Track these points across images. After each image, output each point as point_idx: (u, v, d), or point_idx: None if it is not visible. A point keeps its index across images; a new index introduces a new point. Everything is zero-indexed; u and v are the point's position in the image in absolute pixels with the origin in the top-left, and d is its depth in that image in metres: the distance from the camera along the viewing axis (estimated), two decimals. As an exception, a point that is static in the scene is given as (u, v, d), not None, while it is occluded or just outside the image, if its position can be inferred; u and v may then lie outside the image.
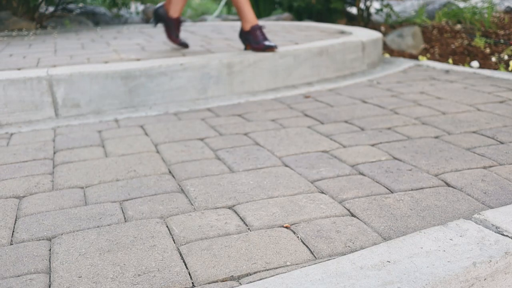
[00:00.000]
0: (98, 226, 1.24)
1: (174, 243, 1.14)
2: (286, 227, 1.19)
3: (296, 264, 1.04)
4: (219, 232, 1.18)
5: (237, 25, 4.83)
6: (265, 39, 2.81)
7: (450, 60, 3.62)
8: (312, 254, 1.07)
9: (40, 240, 1.19)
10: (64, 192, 1.46)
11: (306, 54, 2.83)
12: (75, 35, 4.37)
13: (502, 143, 1.70)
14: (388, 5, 5.15)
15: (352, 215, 1.24)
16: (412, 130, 1.87)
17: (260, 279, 0.97)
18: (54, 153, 1.81)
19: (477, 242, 1.03)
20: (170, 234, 1.18)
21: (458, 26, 4.87)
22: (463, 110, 2.11)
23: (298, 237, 1.14)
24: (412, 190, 1.37)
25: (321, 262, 1.03)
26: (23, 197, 1.45)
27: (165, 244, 1.13)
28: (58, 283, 1.00)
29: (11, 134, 2.09)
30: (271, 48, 2.74)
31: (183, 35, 4.01)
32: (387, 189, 1.38)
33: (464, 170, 1.48)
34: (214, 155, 1.71)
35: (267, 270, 1.02)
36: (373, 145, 1.74)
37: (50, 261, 1.09)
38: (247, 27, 2.83)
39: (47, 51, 3.24)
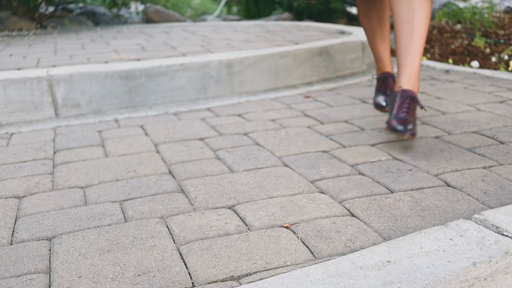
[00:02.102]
0: (98, 226, 1.24)
1: (174, 243, 1.14)
2: (286, 227, 1.19)
3: (296, 264, 1.04)
4: (219, 232, 1.18)
5: (237, 25, 4.83)
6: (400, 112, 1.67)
7: (450, 60, 3.62)
8: (312, 254, 1.07)
9: (40, 240, 1.19)
10: (64, 192, 1.46)
11: (306, 54, 2.83)
12: (75, 35, 4.37)
13: (502, 143, 1.70)
14: (388, 5, 5.14)
15: (352, 215, 1.24)
16: (412, 130, 1.87)
17: (260, 279, 0.97)
18: (54, 153, 1.82)
19: (477, 242, 1.03)
20: (170, 234, 1.18)
21: (458, 26, 4.87)
22: (463, 110, 2.11)
23: (298, 237, 1.14)
24: (412, 190, 1.37)
25: (321, 262, 1.03)
26: (23, 197, 1.45)
27: (165, 244, 1.13)
28: (58, 283, 1.00)
29: (11, 134, 2.09)
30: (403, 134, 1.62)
31: (183, 34, 4.01)
32: (387, 189, 1.38)
33: (464, 170, 1.48)
34: (214, 155, 1.71)
35: (267, 270, 1.02)
36: (373, 145, 1.74)
37: (50, 261, 1.09)
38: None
39: (47, 51, 3.24)
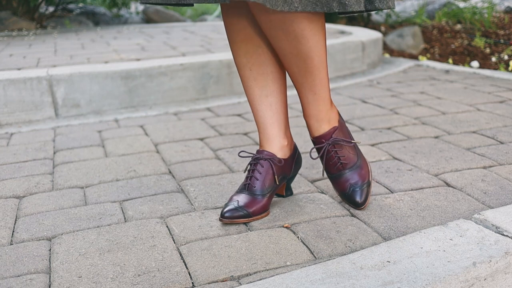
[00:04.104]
0: (98, 226, 1.24)
1: (174, 243, 1.14)
2: (286, 227, 1.19)
3: (296, 264, 1.04)
4: (219, 232, 1.18)
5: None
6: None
7: (450, 60, 3.62)
8: (312, 254, 1.07)
9: (40, 240, 1.19)
10: (64, 192, 1.46)
11: (306, 54, 2.82)
12: (75, 35, 4.37)
13: (502, 143, 1.70)
14: (388, 5, 5.14)
15: (352, 215, 1.24)
16: (412, 130, 1.87)
17: (260, 279, 0.97)
18: (54, 153, 1.81)
19: (477, 242, 1.03)
20: (170, 234, 1.18)
21: (458, 26, 4.87)
22: (463, 110, 2.11)
23: (298, 237, 1.14)
24: (412, 190, 1.37)
25: (321, 262, 1.03)
26: (23, 197, 1.45)
27: (165, 244, 1.13)
28: (58, 283, 1.00)
29: (11, 134, 2.09)
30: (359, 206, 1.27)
31: (183, 34, 4.01)
32: (387, 189, 1.38)
33: (464, 170, 1.48)
34: (214, 155, 1.71)
35: (267, 270, 1.02)
36: (373, 145, 1.74)
37: (50, 261, 1.09)
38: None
39: (47, 51, 3.24)
